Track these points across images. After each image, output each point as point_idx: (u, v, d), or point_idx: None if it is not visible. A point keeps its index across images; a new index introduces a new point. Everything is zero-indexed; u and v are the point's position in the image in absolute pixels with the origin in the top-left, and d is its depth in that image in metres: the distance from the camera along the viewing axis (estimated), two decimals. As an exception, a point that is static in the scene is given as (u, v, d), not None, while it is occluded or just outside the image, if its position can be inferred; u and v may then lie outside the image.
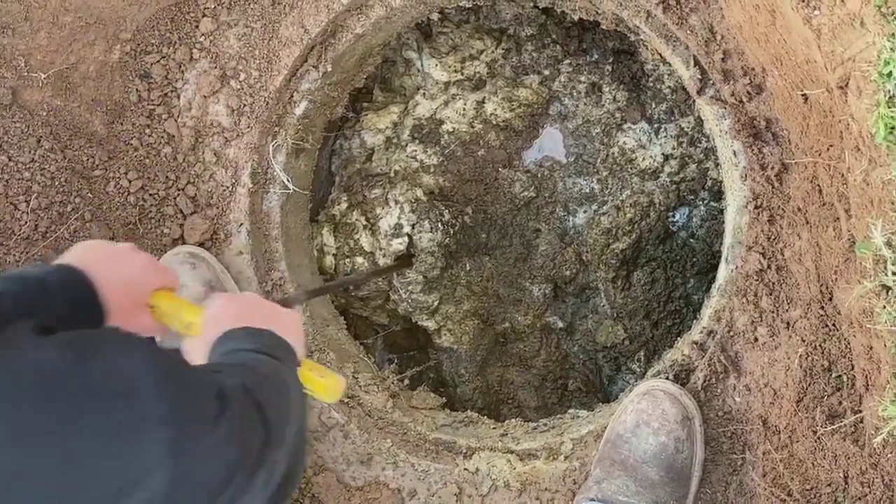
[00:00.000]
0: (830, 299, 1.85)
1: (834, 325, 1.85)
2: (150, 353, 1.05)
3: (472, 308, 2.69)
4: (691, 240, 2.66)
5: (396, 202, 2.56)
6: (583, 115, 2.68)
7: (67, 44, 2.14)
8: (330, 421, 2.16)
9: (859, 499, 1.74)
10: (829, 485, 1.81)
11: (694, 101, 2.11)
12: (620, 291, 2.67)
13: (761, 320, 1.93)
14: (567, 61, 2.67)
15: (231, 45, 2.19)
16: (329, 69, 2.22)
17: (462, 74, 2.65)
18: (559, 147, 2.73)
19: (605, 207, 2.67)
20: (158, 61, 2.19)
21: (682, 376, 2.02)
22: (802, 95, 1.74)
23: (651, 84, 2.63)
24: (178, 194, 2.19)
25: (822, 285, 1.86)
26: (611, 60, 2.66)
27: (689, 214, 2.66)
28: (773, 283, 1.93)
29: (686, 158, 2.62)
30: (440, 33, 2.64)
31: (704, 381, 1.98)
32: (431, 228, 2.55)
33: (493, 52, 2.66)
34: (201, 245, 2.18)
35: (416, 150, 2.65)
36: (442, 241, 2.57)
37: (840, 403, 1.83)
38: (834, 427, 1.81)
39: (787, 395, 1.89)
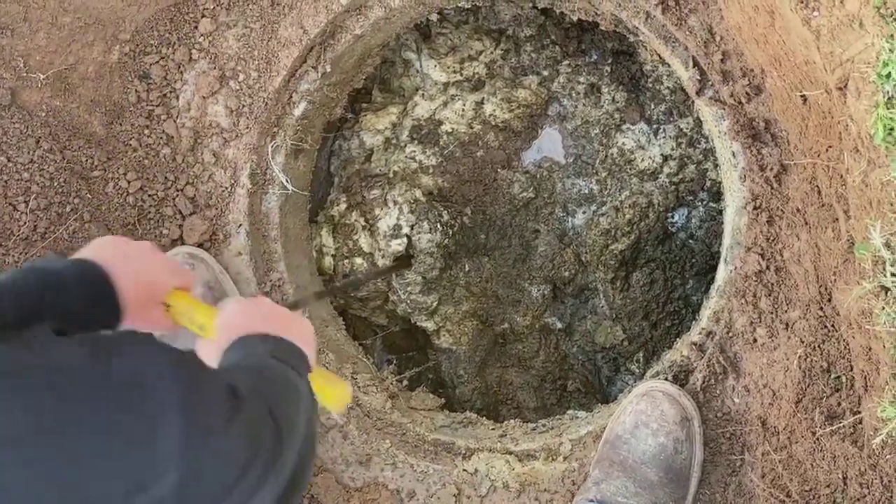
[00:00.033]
0: (829, 300, 1.85)
1: (833, 326, 1.85)
2: (166, 354, 1.06)
3: (470, 309, 2.69)
4: (690, 241, 2.66)
5: (395, 203, 2.56)
6: (582, 115, 2.68)
7: (66, 44, 2.14)
8: (329, 422, 2.16)
9: (858, 500, 1.74)
10: (828, 486, 1.81)
11: (693, 101, 2.11)
12: (619, 292, 2.67)
13: (760, 321, 1.93)
14: (566, 62, 2.67)
15: (230, 46, 2.19)
16: (328, 70, 2.22)
17: (461, 75, 2.65)
18: (558, 148, 2.73)
19: (604, 208, 2.67)
20: (157, 62, 2.19)
21: (680, 377, 2.02)
22: (801, 96, 1.74)
23: (650, 85, 2.63)
24: (177, 195, 2.19)
25: (820, 286, 1.86)
26: (610, 61, 2.66)
27: (688, 215, 2.66)
28: (772, 284, 1.93)
29: (685, 159, 2.62)
30: (439, 34, 2.64)
31: (703, 382, 1.98)
32: (430, 229, 2.55)
33: (491, 52, 2.66)
34: (200, 246, 2.18)
35: (414, 151, 2.65)
36: (441, 241, 2.57)
37: (839, 404, 1.84)
38: (833, 428, 1.81)
39: (786, 395, 1.89)
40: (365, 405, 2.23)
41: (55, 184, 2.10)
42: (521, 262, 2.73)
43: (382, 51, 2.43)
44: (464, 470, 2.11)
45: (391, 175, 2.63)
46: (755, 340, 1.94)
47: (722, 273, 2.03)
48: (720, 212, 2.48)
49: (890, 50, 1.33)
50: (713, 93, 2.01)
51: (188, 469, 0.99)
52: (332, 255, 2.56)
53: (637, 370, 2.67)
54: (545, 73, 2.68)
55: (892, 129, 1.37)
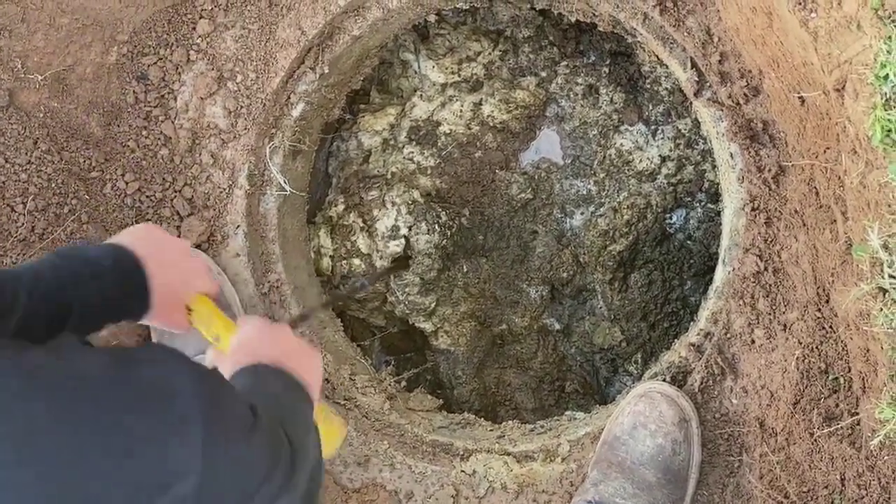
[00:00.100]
0: (827, 301, 1.85)
1: (831, 327, 1.85)
2: (189, 366, 1.08)
3: (469, 310, 2.69)
4: (688, 242, 2.66)
5: (393, 204, 2.56)
6: (580, 116, 2.68)
7: (64, 46, 2.13)
8: (327, 423, 2.16)
9: (856, 501, 1.74)
10: (826, 487, 1.81)
11: (691, 103, 2.11)
12: (617, 293, 2.67)
13: (758, 322, 1.93)
14: (564, 63, 2.67)
15: (228, 47, 2.19)
16: (326, 71, 2.22)
17: (459, 76, 2.65)
18: (556, 149, 2.73)
19: (602, 209, 2.67)
20: (155, 63, 2.19)
21: (679, 378, 2.02)
22: (799, 98, 1.74)
23: (648, 86, 2.63)
24: (175, 196, 2.19)
25: (818, 287, 1.86)
26: (608, 62, 2.66)
27: (686, 216, 2.66)
28: (770, 286, 1.93)
29: (683, 160, 2.62)
30: (437, 35, 2.64)
31: (701, 383, 1.98)
32: (428, 230, 2.55)
33: (490, 53, 2.66)
34: (198, 247, 2.18)
35: (413, 152, 2.65)
36: (439, 242, 2.57)
37: (837, 406, 1.84)
38: (831, 429, 1.81)
39: (784, 397, 1.89)
40: (363, 406, 2.23)
41: (53, 185, 2.10)
42: (519, 263, 2.73)
43: (380, 52, 2.43)
44: (462, 471, 2.11)
45: (389, 176, 2.63)
46: (753, 342, 1.94)
47: (720, 274, 2.03)
48: (718, 213, 2.48)
49: (887, 51, 1.33)
50: (711, 94, 2.01)
51: (209, 474, 1.00)
52: (330, 256, 2.56)
53: (635, 371, 2.67)
54: (543, 74, 2.68)
55: (889, 130, 1.37)
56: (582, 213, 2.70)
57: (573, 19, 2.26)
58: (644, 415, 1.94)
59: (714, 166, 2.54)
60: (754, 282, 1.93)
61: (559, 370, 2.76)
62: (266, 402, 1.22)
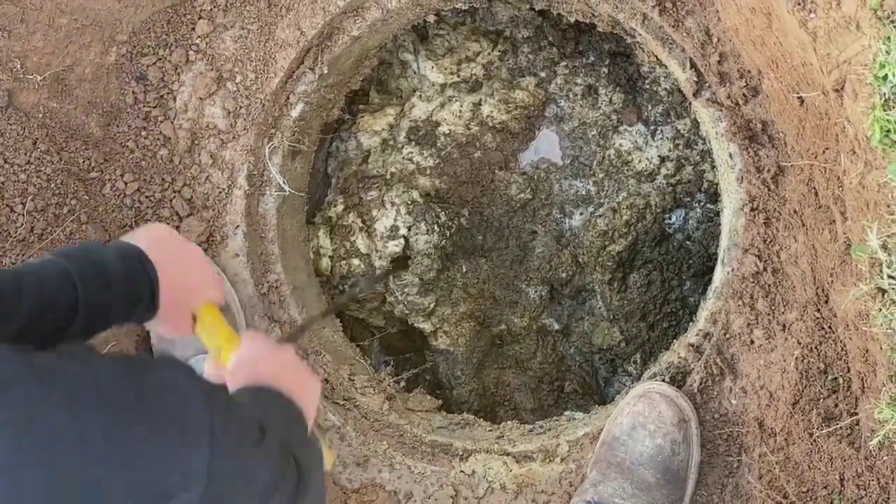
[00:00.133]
0: (826, 302, 1.85)
1: (830, 327, 1.85)
2: (199, 380, 1.08)
3: (468, 310, 2.69)
4: (687, 242, 2.66)
5: (393, 204, 2.56)
6: (579, 117, 2.68)
7: (63, 46, 2.13)
8: (326, 423, 2.16)
9: (855, 501, 1.74)
10: (825, 487, 1.82)
11: (690, 103, 2.11)
12: (617, 293, 2.67)
13: (757, 323, 1.94)
14: (563, 63, 2.67)
15: (227, 48, 2.19)
16: (325, 71, 2.22)
17: (458, 76, 2.65)
18: (555, 149, 2.73)
19: (601, 209, 2.67)
20: (154, 63, 2.19)
21: (678, 378, 2.02)
22: (798, 98, 1.74)
23: (647, 86, 2.63)
24: (175, 196, 2.19)
25: (818, 288, 1.86)
26: (607, 63, 2.66)
27: (686, 217, 2.66)
28: (770, 286, 1.93)
29: (682, 161, 2.62)
30: (436, 35, 2.64)
31: (700, 384, 1.98)
32: (427, 230, 2.55)
33: (489, 54, 2.66)
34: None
35: (412, 152, 2.65)
36: (438, 243, 2.57)
37: (836, 406, 1.84)
38: (830, 429, 1.81)
39: (783, 397, 1.89)
40: (362, 406, 2.23)
41: (52, 185, 2.10)
42: (518, 264, 2.73)
43: (380, 52, 2.43)
44: (461, 471, 2.11)
45: (388, 176, 2.63)
46: (752, 342, 1.94)
47: (719, 274, 2.03)
48: (717, 213, 2.48)
49: (886, 52, 1.33)
50: (710, 94, 2.01)
51: (214, 486, 1.00)
52: (330, 257, 2.56)
53: (634, 371, 2.67)
54: (542, 74, 2.68)
55: (888, 131, 1.37)
56: (581, 214, 2.71)
57: (572, 20, 2.26)
58: (643, 415, 1.94)
59: (713, 166, 2.54)
60: (753, 282, 1.94)
61: (558, 370, 2.76)
62: (274, 424, 1.22)
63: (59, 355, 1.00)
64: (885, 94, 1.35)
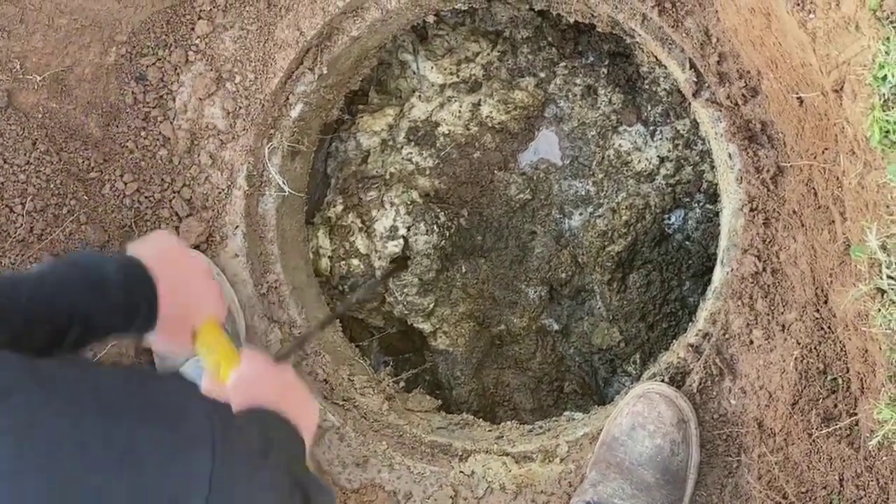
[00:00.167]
0: (826, 302, 1.85)
1: (829, 327, 1.85)
2: (205, 398, 1.07)
3: (467, 310, 2.69)
4: (687, 242, 2.66)
5: (392, 204, 2.56)
6: (578, 117, 2.68)
7: (63, 46, 2.13)
8: (325, 423, 2.16)
9: (854, 502, 1.74)
10: (825, 487, 1.82)
11: (689, 103, 2.11)
12: (616, 294, 2.67)
13: (756, 323, 1.94)
14: (563, 64, 2.67)
15: (227, 48, 2.19)
16: (325, 72, 2.22)
17: (458, 77, 2.65)
18: (555, 149, 2.73)
19: (600, 210, 2.67)
20: (154, 64, 2.19)
21: (677, 379, 2.02)
22: (797, 98, 1.74)
23: (647, 87, 2.63)
24: (174, 197, 2.19)
25: (817, 288, 1.86)
26: (606, 63, 2.67)
27: (685, 217, 2.66)
28: (769, 286, 1.93)
29: (681, 161, 2.62)
30: (436, 36, 2.64)
31: (700, 384, 1.98)
32: (427, 231, 2.55)
33: (488, 54, 2.66)
34: (197, 248, 2.18)
35: (411, 153, 2.65)
36: (437, 243, 2.57)
37: (835, 406, 1.84)
38: (829, 430, 1.81)
39: (783, 397, 1.89)
40: (362, 407, 2.23)
41: (51, 185, 2.10)
42: (517, 264, 2.73)
43: (379, 52, 2.43)
44: (460, 471, 2.12)
45: (388, 177, 2.63)
46: (751, 342, 1.94)
47: (718, 275, 2.03)
48: (717, 213, 2.48)
49: (886, 52, 1.33)
50: (710, 95, 2.01)
51: (214, 496, 0.99)
52: (329, 257, 2.56)
53: (634, 372, 2.67)
54: (542, 74, 2.68)
55: (888, 131, 1.37)
56: (580, 214, 2.71)
57: (572, 20, 2.26)
58: (643, 415, 1.94)
59: (712, 167, 2.54)
60: (753, 282, 1.94)
61: (558, 371, 2.76)
62: (277, 445, 1.21)
63: (61, 362, 0.99)
64: (884, 94, 1.36)
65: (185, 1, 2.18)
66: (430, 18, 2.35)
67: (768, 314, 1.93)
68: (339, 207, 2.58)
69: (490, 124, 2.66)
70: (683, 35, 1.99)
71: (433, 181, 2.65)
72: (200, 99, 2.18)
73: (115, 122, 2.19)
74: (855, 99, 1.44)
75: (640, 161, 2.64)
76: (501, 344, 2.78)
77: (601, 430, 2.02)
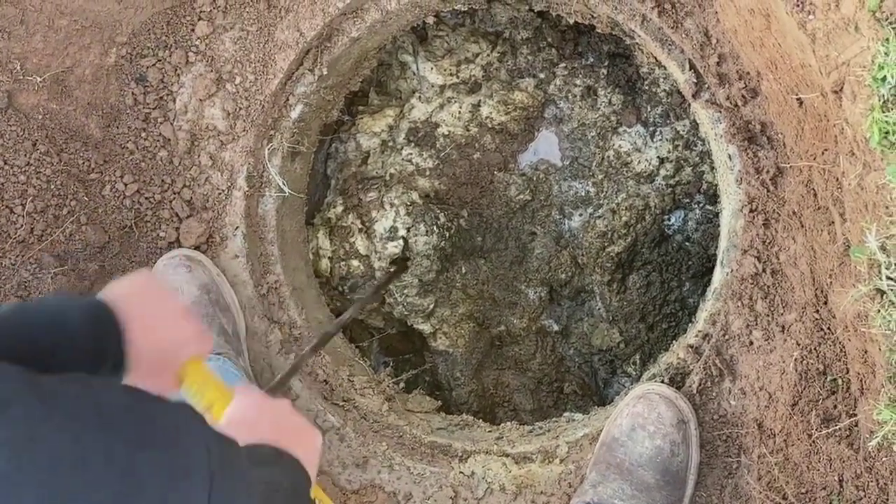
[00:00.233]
0: (825, 303, 1.85)
1: (829, 328, 1.85)
2: (206, 426, 1.05)
3: (467, 311, 2.69)
4: (686, 243, 2.67)
5: (392, 205, 2.56)
6: (578, 118, 2.68)
7: (63, 47, 2.14)
8: (325, 424, 2.16)
9: (854, 502, 1.74)
10: (824, 488, 1.82)
11: (689, 104, 2.11)
12: (616, 294, 2.67)
13: (756, 324, 1.94)
14: (562, 65, 2.68)
15: (227, 49, 2.19)
16: (325, 73, 2.22)
17: (457, 78, 2.65)
18: (554, 150, 2.73)
19: (600, 211, 2.67)
20: (154, 65, 2.19)
21: (677, 379, 2.03)
22: (797, 99, 1.74)
23: (646, 87, 2.63)
24: (174, 198, 2.19)
25: (816, 289, 1.86)
26: (606, 64, 2.67)
27: (685, 218, 2.67)
28: (769, 287, 1.93)
29: (681, 162, 2.62)
30: (436, 37, 2.64)
31: (700, 385, 1.98)
32: (427, 231, 2.55)
33: (488, 55, 2.67)
34: (197, 248, 2.18)
35: (411, 154, 2.66)
36: (437, 244, 2.57)
37: (835, 407, 1.84)
38: (829, 431, 1.81)
39: (782, 398, 1.90)
40: (362, 407, 2.23)
41: (52, 186, 2.10)
42: (517, 265, 2.73)
43: (379, 53, 2.43)
44: (460, 472, 2.12)
45: (388, 177, 2.63)
46: (751, 343, 1.94)
47: (718, 276, 2.03)
48: (716, 214, 2.48)
49: (885, 53, 1.33)
50: (709, 95, 2.01)
51: None
52: (329, 258, 2.56)
53: (633, 372, 2.67)
54: (541, 75, 2.68)
55: (887, 132, 1.37)
56: (580, 215, 2.71)
57: (571, 21, 2.26)
58: (642, 416, 1.94)
59: (712, 168, 2.54)
60: (752, 283, 1.94)
61: (558, 371, 2.76)
62: (278, 480, 1.19)
63: (62, 378, 0.98)
64: (883, 95, 1.36)
65: (185, 2, 2.18)
66: (430, 19, 2.35)
67: (768, 315, 1.93)
68: (339, 208, 2.58)
69: (490, 125, 2.66)
70: (683, 36, 1.99)
71: (433, 182, 2.66)
72: (201, 100, 2.18)
73: (116, 123, 2.19)
74: (854, 100, 1.44)
75: (639, 162, 2.64)
76: (501, 345, 2.78)
77: (601, 430, 2.02)
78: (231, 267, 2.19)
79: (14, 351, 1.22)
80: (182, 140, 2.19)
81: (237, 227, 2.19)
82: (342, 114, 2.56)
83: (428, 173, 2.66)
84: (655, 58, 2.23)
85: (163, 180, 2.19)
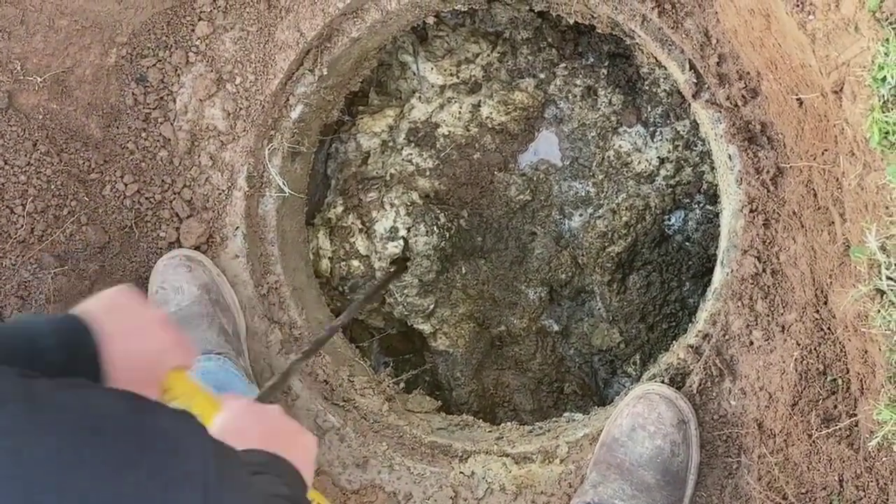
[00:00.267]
0: (825, 303, 1.85)
1: (829, 328, 1.85)
2: (202, 432, 1.03)
3: (467, 311, 2.69)
4: (687, 243, 2.67)
5: (392, 205, 2.56)
6: (578, 118, 2.68)
7: (63, 47, 2.14)
8: (326, 424, 2.16)
9: (854, 502, 1.74)
10: (824, 488, 1.82)
11: (689, 104, 2.11)
12: (616, 295, 2.67)
13: (756, 324, 1.94)
14: (563, 65, 2.68)
15: (227, 49, 2.19)
16: (325, 73, 2.22)
17: (458, 78, 2.65)
18: (555, 150, 2.73)
19: (600, 211, 2.67)
20: (154, 65, 2.19)
21: (677, 380, 2.03)
22: (797, 100, 1.74)
23: (646, 88, 2.64)
24: (175, 198, 2.19)
25: (816, 289, 1.86)
26: (606, 64, 2.67)
27: (685, 218, 2.67)
28: (769, 287, 1.93)
29: (681, 162, 2.62)
30: (436, 37, 2.64)
31: (700, 385, 1.98)
32: (427, 232, 2.55)
33: (488, 55, 2.67)
34: (197, 248, 2.18)
35: (411, 154, 2.66)
36: (437, 244, 2.57)
37: (835, 407, 1.84)
38: (829, 431, 1.81)
39: (783, 398, 1.90)
40: (362, 408, 2.23)
41: (52, 186, 2.10)
42: (517, 265, 2.73)
43: (379, 54, 2.43)
44: (460, 472, 2.12)
45: (388, 178, 2.63)
46: (751, 343, 1.94)
47: (718, 276, 2.03)
48: (717, 214, 2.48)
49: (885, 53, 1.33)
50: (709, 96, 2.01)
51: None
52: (329, 258, 2.56)
53: (634, 373, 2.67)
54: (542, 75, 2.68)
55: (887, 132, 1.37)
56: (580, 215, 2.71)
57: (572, 21, 2.27)
58: (643, 416, 1.94)
59: (712, 168, 2.54)
60: (753, 283, 1.94)
61: (558, 371, 2.76)
62: (278, 489, 1.18)
63: (58, 381, 0.97)
64: (883, 95, 1.36)
65: (185, 2, 2.18)
66: (430, 19, 2.35)
67: (768, 315, 1.93)
68: (340, 208, 2.58)
69: (490, 125, 2.66)
70: (683, 36, 1.99)
71: (433, 182, 2.66)
72: (201, 100, 2.18)
73: (116, 124, 2.19)
74: (854, 100, 1.44)
75: (640, 162, 2.64)
76: (501, 345, 2.78)
77: (601, 430, 2.02)
78: (231, 267, 2.19)
79: None
80: (182, 140, 2.19)
81: (237, 228, 2.19)
82: (342, 114, 2.56)
83: (428, 173, 2.66)
84: (655, 58, 2.23)
85: (163, 180, 2.19)
